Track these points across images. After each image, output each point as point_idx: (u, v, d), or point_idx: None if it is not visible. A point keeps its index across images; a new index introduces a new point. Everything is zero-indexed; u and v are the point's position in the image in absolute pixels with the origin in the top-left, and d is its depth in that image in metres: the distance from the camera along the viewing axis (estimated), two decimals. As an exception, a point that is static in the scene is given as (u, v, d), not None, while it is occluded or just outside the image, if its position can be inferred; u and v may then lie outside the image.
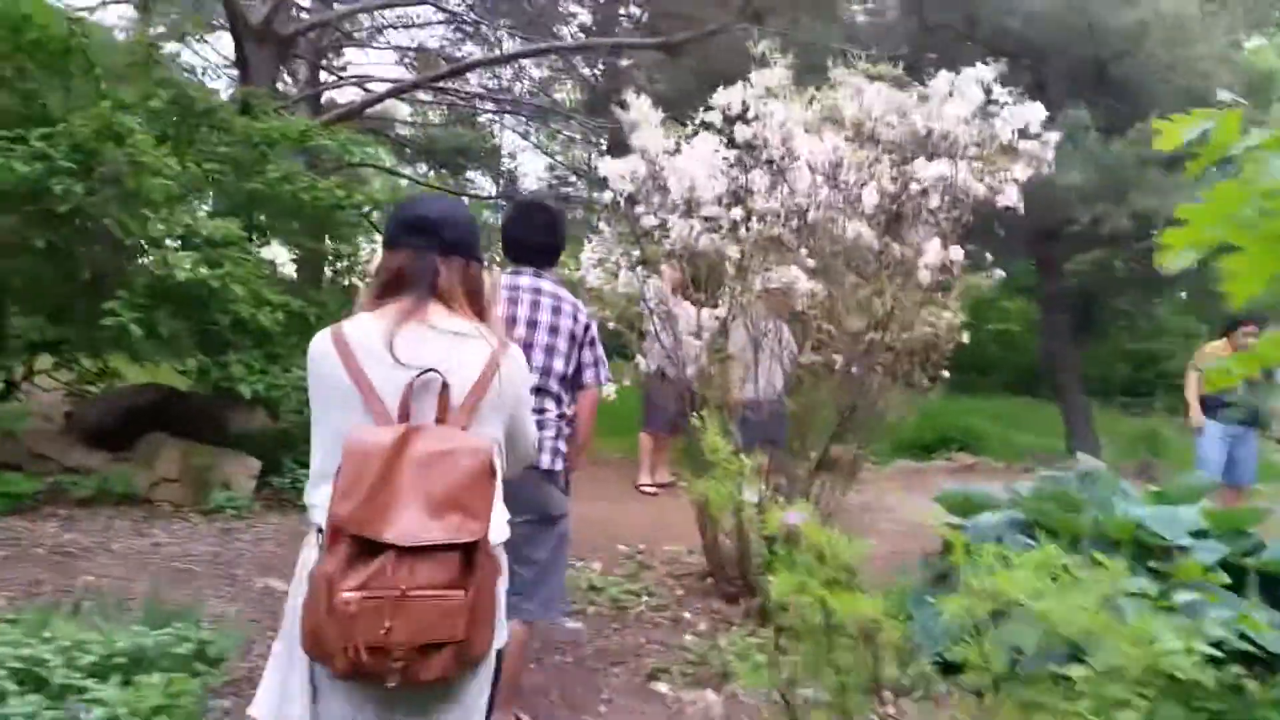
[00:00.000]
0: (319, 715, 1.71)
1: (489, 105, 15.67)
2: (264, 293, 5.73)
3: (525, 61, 16.01)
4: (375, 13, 15.63)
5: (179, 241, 5.22)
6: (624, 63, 14.04)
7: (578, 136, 17.61)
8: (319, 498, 1.71)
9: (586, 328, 3.34)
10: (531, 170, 19.66)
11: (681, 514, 7.26)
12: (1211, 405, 7.84)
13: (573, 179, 17.84)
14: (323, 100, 13.49)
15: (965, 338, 4.60)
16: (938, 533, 4.97)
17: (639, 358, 5.28)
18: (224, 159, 6.18)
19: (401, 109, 18.38)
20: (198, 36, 12.38)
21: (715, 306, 4.96)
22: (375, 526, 1.57)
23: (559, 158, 18.51)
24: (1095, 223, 9.74)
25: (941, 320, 4.41)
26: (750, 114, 4.60)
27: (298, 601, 1.69)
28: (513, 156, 19.36)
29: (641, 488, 8.47)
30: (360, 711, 1.68)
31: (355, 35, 16.29)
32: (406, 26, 15.97)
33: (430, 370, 1.73)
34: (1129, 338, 19.69)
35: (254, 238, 7.05)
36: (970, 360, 14.24)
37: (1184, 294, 18.21)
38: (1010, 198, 4.33)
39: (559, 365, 3.23)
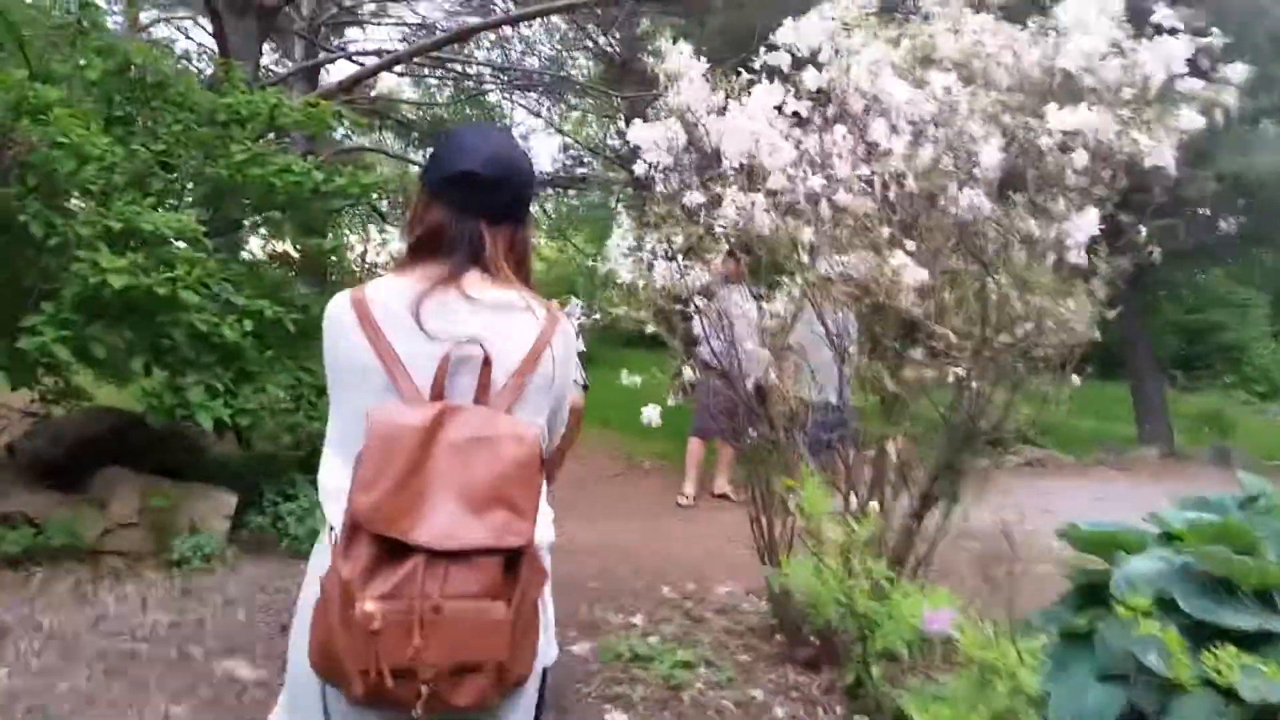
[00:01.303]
0: None
1: (497, 81, 14.62)
2: (233, 299, 4.77)
3: (534, 34, 15.01)
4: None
5: (117, 241, 4.23)
6: (642, 28, 12.98)
7: (592, 114, 16.61)
8: (332, 480, 1.48)
9: None
10: (545, 150, 18.63)
11: (735, 534, 6.33)
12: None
13: (588, 158, 16.82)
14: (320, 81, 12.49)
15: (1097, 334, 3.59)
16: (1073, 573, 4.07)
17: (684, 369, 4.30)
18: (184, 141, 5.21)
19: (406, 90, 17.42)
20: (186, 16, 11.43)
21: (773, 301, 3.99)
22: (404, 524, 1.34)
23: (574, 136, 17.46)
24: (1176, 185, 8.71)
25: (1073, 312, 3.40)
26: (822, 56, 3.60)
27: (306, 599, 1.48)
28: (524, 137, 18.37)
29: (680, 500, 7.51)
30: None
31: (356, 11, 15.33)
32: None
33: (470, 341, 1.49)
34: (1176, 309, 18.60)
35: (237, 233, 6.12)
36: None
37: (1230, 261, 17.15)
38: (1163, 156, 3.30)
39: None
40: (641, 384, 4.09)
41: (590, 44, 14.27)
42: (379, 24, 15.77)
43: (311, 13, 13.03)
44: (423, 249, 1.58)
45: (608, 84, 13.06)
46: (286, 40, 13.47)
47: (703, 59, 3.93)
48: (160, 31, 15.30)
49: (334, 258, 5.50)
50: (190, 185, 5.23)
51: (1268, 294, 19.58)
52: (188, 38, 12.08)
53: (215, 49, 11.17)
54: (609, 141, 17.80)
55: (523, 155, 1.68)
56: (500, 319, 1.54)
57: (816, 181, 3.26)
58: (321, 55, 11.46)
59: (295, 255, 5.96)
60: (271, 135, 6.19)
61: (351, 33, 16.87)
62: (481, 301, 1.54)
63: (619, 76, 12.79)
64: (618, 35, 13.38)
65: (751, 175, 3.50)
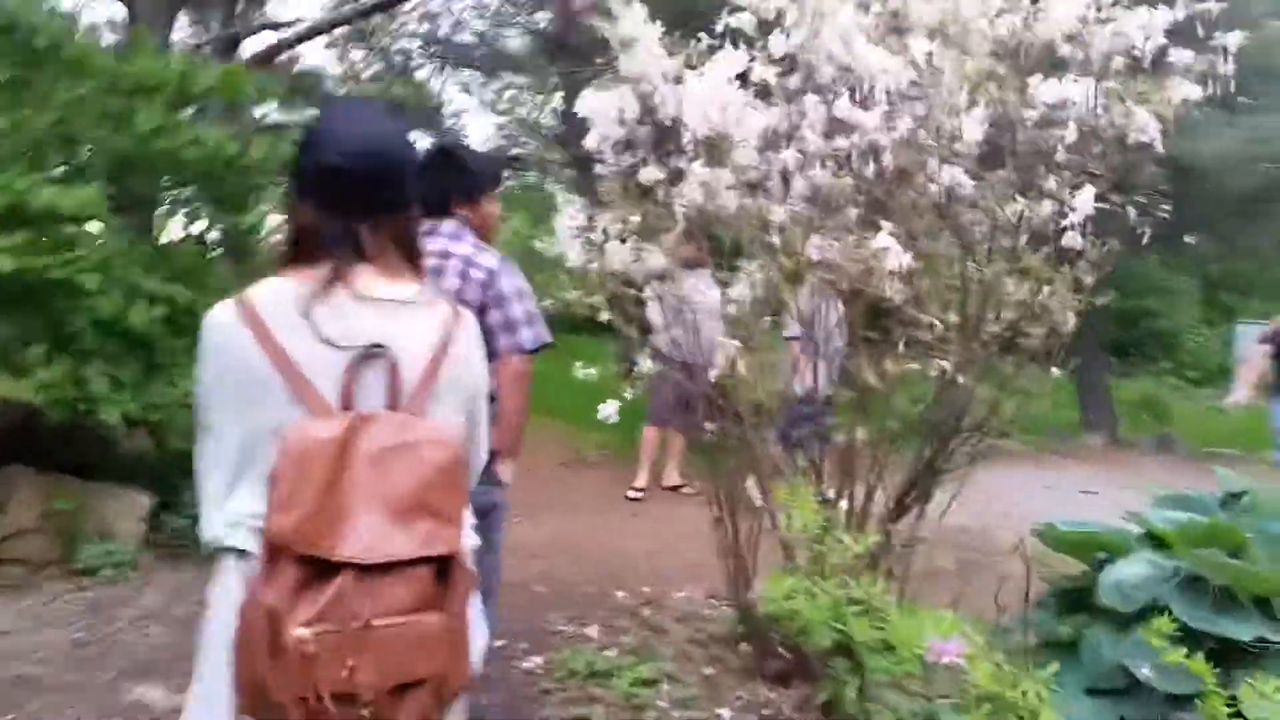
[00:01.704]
0: None
1: (427, 54, 14.11)
2: (141, 283, 4.35)
3: (465, 8, 14.51)
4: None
5: (6, 220, 3.79)
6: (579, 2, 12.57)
7: (528, 91, 16.17)
8: (232, 506, 1.37)
9: (484, 285, 2.84)
10: (479, 130, 18.12)
11: (690, 530, 6.05)
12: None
13: (524, 138, 16.38)
14: (239, 52, 11.88)
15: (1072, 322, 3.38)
16: (1051, 576, 3.87)
17: (640, 359, 4.01)
18: (84, 111, 4.74)
19: (330, 64, 16.77)
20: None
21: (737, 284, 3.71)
22: (327, 542, 1.28)
23: (509, 114, 16.98)
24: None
25: (1056, 299, 3.18)
26: (789, 19, 3.32)
27: (216, 633, 1.37)
28: (457, 116, 17.84)
29: (630, 493, 7.21)
30: None
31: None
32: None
33: (374, 346, 1.39)
34: (1114, 296, 18.84)
35: (148, 210, 5.65)
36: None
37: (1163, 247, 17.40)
38: (1150, 131, 3.09)
39: None
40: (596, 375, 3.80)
41: (523, 19, 13.82)
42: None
43: (230, -18, 12.39)
44: (300, 252, 1.46)
45: (543, 60, 12.64)
46: (205, 13, 12.79)
47: (658, 23, 3.63)
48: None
49: (254, 237, 5.06)
50: (91, 159, 4.76)
51: (1198, 281, 19.94)
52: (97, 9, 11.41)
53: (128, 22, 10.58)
54: (544, 120, 17.37)
55: (398, 137, 1.54)
56: (399, 317, 1.46)
57: (789, 155, 2.97)
58: (239, 27, 10.84)
59: (216, 235, 5.51)
60: (190, 110, 5.75)
61: (274, 9, 16.22)
62: (377, 300, 1.44)
63: (554, 52, 12.39)
64: (553, 8, 12.95)
65: (714, 149, 3.20)
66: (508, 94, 17.05)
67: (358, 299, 1.42)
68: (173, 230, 6.09)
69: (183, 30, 13.43)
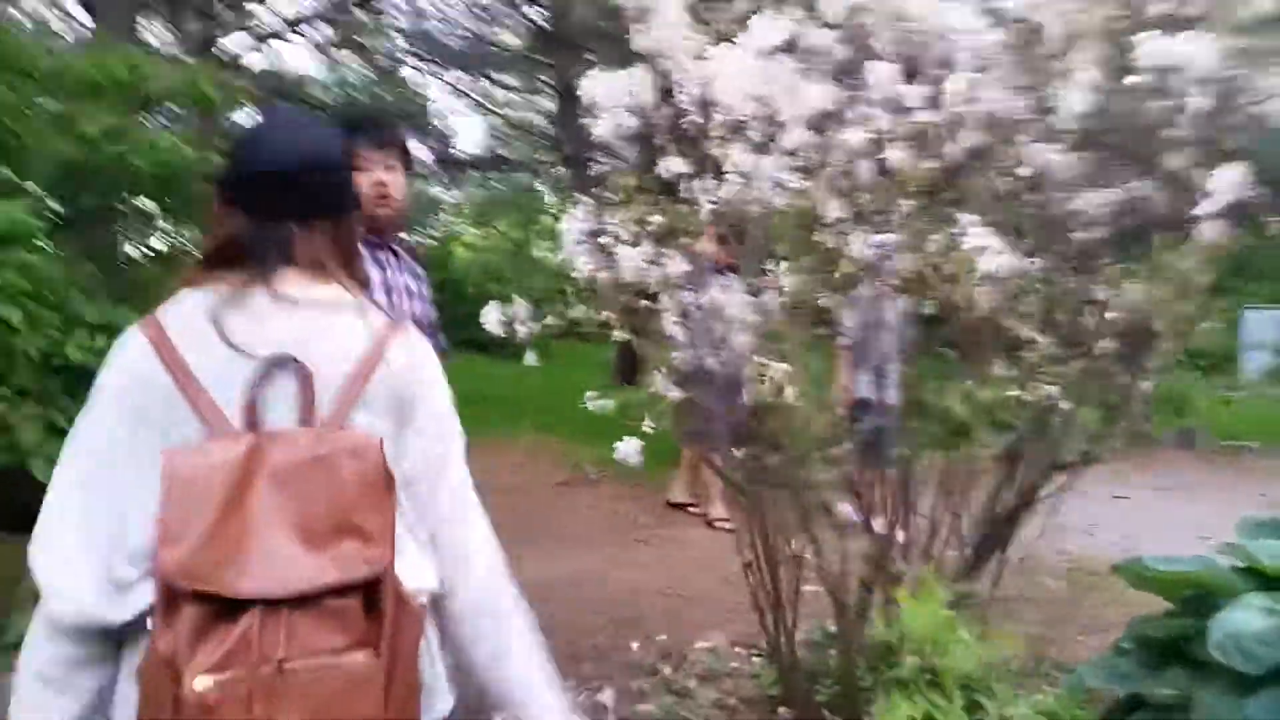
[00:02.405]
0: None
1: (414, 53, 13.55)
2: (83, 310, 3.79)
3: (454, 6, 13.95)
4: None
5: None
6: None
7: (517, 92, 15.63)
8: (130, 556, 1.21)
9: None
10: (466, 132, 17.55)
11: (705, 558, 5.57)
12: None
13: (513, 138, 15.83)
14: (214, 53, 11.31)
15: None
16: (1140, 623, 3.33)
17: (657, 378, 3.45)
18: (19, 113, 4.18)
19: (313, 67, 16.21)
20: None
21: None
22: (226, 575, 1.13)
23: (505, 112, 16.41)
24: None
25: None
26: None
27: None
28: (443, 118, 17.31)
29: (672, 501, 6.72)
30: None
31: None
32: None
33: (283, 354, 1.25)
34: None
35: (99, 224, 5.06)
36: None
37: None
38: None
39: None
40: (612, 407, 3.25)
41: (513, 13, 13.25)
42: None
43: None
44: (221, 260, 1.33)
45: (534, 57, 12.07)
46: (178, 13, 12.22)
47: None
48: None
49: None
50: (30, 168, 4.19)
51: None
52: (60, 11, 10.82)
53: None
54: (534, 120, 16.83)
55: (330, 139, 1.43)
56: (320, 319, 1.31)
57: (852, 136, 2.41)
58: (213, 26, 10.28)
59: (175, 249, 4.94)
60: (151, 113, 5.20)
61: (253, 10, 15.63)
62: (296, 300, 1.31)
63: (546, 48, 11.84)
64: (545, 2, 12.40)
65: (753, 132, 2.65)
66: (497, 93, 16.52)
67: (276, 301, 1.30)
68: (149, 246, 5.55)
69: (157, 32, 12.93)
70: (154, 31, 12.85)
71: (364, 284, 1.43)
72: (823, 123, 2.45)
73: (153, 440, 1.22)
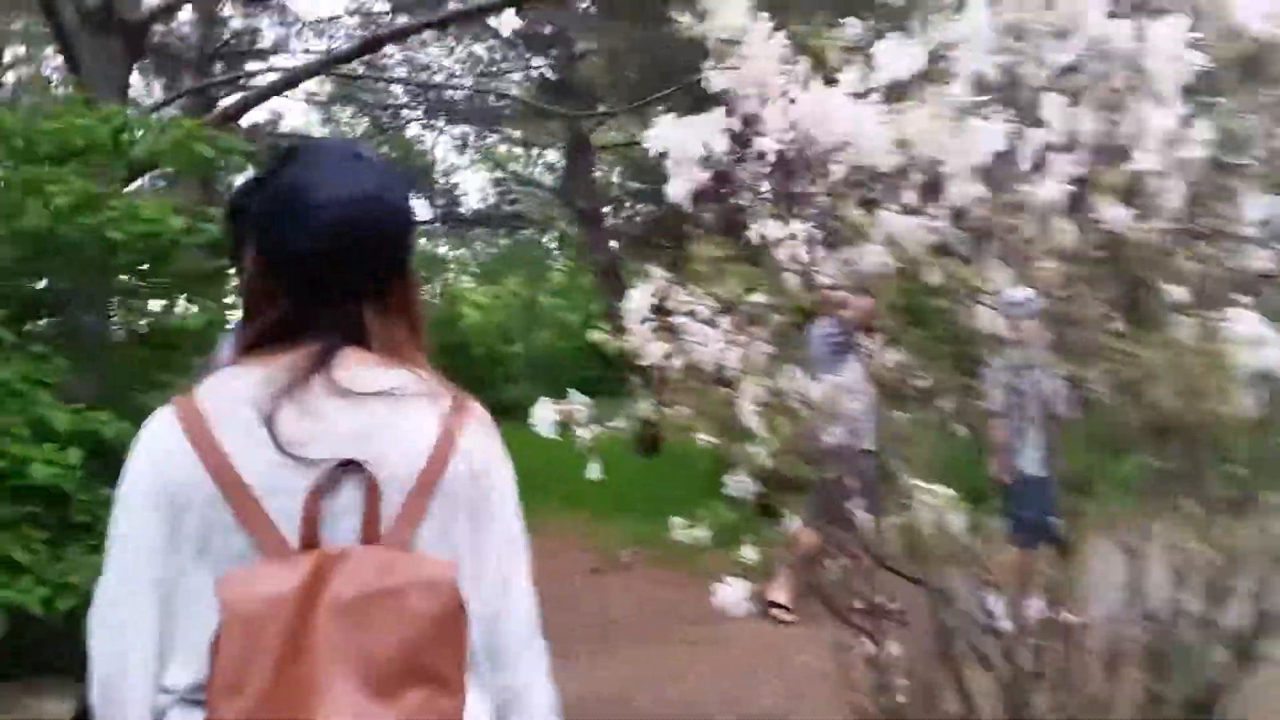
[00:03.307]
0: None
1: (416, 105, 13.10)
2: (49, 415, 3.19)
3: (457, 58, 13.54)
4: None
5: None
6: (581, 47, 11.58)
7: (523, 146, 15.19)
8: (136, 689, 1.09)
9: None
10: (472, 186, 17.11)
11: (773, 664, 4.92)
12: None
13: (518, 192, 15.35)
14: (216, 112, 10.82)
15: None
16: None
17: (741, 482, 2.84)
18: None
19: (315, 127, 15.79)
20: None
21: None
22: None
23: (511, 166, 15.95)
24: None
25: None
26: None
27: None
28: (447, 174, 16.84)
29: (777, 613, 5.64)
30: None
31: (254, 40, 13.70)
32: (319, 27, 13.36)
33: (348, 463, 1.09)
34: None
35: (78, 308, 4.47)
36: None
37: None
38: None
39: None
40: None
41: (520, 67, 12.82)
42: (285, 54, 14.15)
43: (201, 40, 11.40)
44: (269, 340, 1.15)
45: (541, 111, 11.60)
46: (174, 71, 11.78)
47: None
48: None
49: (211, 330, 3.87)
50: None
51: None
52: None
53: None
54: (540, 175, 16.40)
55: (395, 184, 1.22)
56: (388, 415, 1.13)
57: (1053, 187, 1.82)
58: (204, 82, 9.78)
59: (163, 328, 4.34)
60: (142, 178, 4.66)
61: (252, 66, 15.25)
62: (360, 393, 1.12)
63: (555, 99, 11.37)
64: (553, 52, 11.96)
65: (922, 186, 2.06)
66: (501, 148, 16.08)
67: (337, 392, 1.11)
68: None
69: (148, 90, 12.51)
70: (148, 90, 12.47)
71: (425, 350, 1.24)
72: (997, 172, 1.86)
73: (189, 549, 1.09)
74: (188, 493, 1.08)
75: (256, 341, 1.17)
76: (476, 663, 1.17)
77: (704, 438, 2.63)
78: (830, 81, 2.45)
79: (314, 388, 1.12)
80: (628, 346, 2.81)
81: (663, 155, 2.70)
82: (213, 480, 1.08)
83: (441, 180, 16.11)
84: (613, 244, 10.74)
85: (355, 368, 1.14)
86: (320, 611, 1.04)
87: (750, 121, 2.61)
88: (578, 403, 2.78)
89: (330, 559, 1.06)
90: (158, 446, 1.12)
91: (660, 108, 9.08)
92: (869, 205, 2.08)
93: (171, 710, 1.08)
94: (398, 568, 1.09)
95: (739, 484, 2.98)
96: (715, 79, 2.61)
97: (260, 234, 1.18)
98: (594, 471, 2.72)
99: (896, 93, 2.44)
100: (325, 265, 1.15)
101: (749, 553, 2.56)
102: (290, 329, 1.15)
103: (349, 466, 1.10)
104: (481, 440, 1.20)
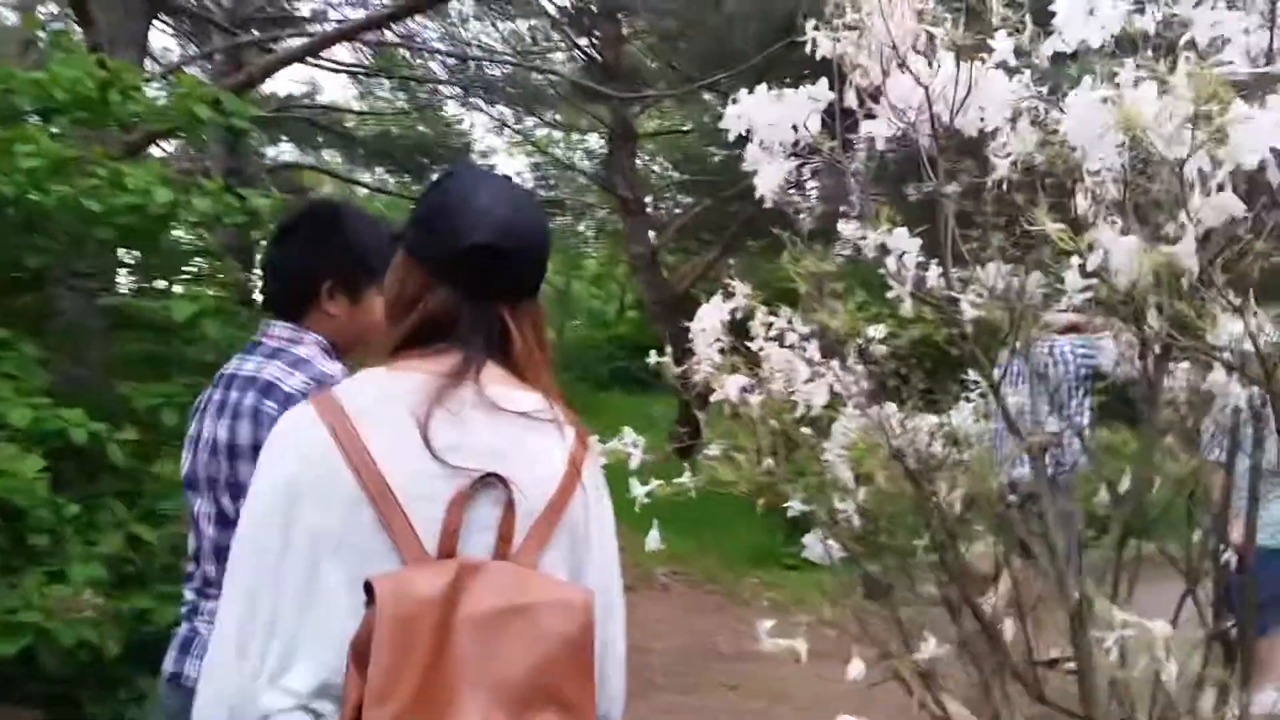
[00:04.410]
0: None
1: (455, 81, 12.56)
2: (8, 411, 2.69)
3: (497, 35, 12.96)
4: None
5: None
6: (629, 27, 10.97)
7: (564, 127, 14.61)
8: (288, 692, 1.05)
9: None
10: (510, 170, 16.57)
11: (821, 705, 4.36)
12: None
13: (566, 178, 14.79)
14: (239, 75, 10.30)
15: None
16: None
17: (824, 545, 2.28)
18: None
19: (352, 101, 15.28)
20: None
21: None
22: None
23: (550, 150, 15.37)
24: None
25: None
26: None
27: None
28: (485, 155, 16.29)
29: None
30: None
31: (291, 6, 13.17)
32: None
33: (489, 475, 1.11)
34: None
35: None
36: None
37: None
38: None
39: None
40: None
41: (565, 43, 12.21)
42: (322, 23, 13.65)
43: (234, 2, 10.88)
44: (420, 340, 1.19)
45: (586, 91, 11.01)
46: (203, 35, 11.28)
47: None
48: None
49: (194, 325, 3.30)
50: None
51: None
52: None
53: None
54: (579, 161, 15.81)
55: (539, 209, 1.33)
56: (523, 436, 1.16)
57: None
58: (229, 43, 9.23)
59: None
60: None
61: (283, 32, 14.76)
62: (504, 410, 1.16)
63: (601, 80, 10.77)
64: (597, 35, 11.35)
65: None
66: (540, 132, 15.48)
67: (485, 405, 1.15)
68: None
69: (183, 53, 12.07)
70: (183, 55, 12.03)
71: (549, 370, 1.25)
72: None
73: (326, 546, 1.08)
74: (327, 489, 1.08)
75: (403, 343, 1.20)
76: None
77: (796, 502, 2.06)
78: (976, 49, 1.88)
79: (463, 397, 1.14)
80: (695, 376, 2.26)
81: (742, 139, 2.15)
82: (355, 479, 1.08)
83: (479, 162, 15.58)
84: (652, 235, 10.15)
85: (498, 384, 1.17)
86: (458, 620, 1.03)
87: (866, 97, 2.05)
88: (630, 442, 2.21)
89: (469, 569, 1.06)
90: (300, 440, 1.12)
91: (726, 87, 8.46)
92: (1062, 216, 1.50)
93: (290, 715, 1.04)
94: (533, 586, 1.10)
95: (816, 545, 2.45)
96: (821, 42, 2.05)
97: (423, 234, 1.23)
98: (653, 541, 2.19)
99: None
100: (487, 258, 1.18)
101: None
102: (439, 328, 1.18)
103: (489, 479, 1.11)
104: (597, 474, 1.24)
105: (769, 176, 2.04)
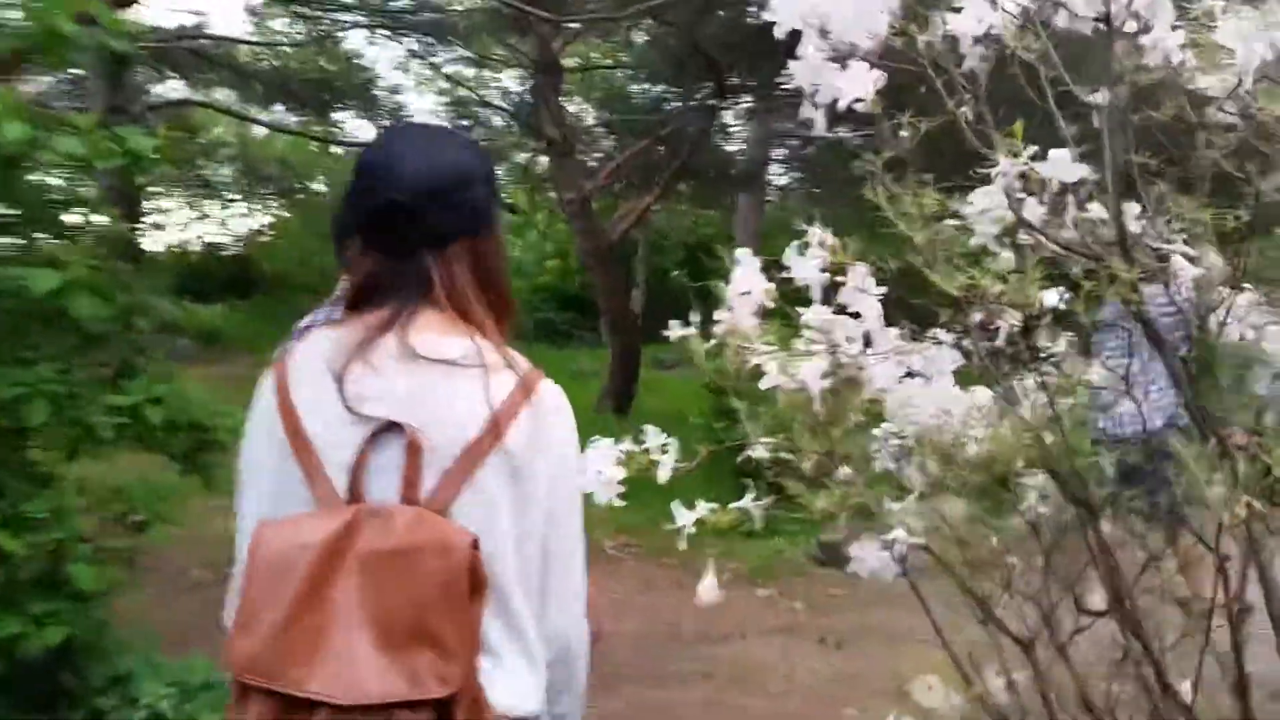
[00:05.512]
0: None
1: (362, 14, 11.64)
2: None
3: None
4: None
5: None
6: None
7: (481, 62, 13.72)
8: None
9: None
10: (420, 109, 15.62)
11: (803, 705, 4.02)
12: None
13: (483, 118, 13.94)
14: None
15: None
16: None
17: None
18: None
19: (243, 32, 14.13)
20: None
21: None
22: (295, 672, 1.06)
23: (465, 86, 14.47)
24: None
25: None
26: None
27: None
28: (394, 92, 15.26)
29: None
30: None
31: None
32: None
33: (394, 421, 1.16)
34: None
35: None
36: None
37: None
38: None
39: None
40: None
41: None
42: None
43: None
44: (361, 302, 1.25)
45: (506, 18, 10.20)
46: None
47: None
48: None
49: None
50: None
51: None
52: None
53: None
54: (496, 99, 14.92)
55: (467, 149, 1.35)
56: (442, 382, 1.19)
57: None
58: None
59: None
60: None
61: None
62: (423, 356, 1.19)
63: (522, 12, 10.00)
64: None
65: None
66: (454, 68, 14.54)
67: (404, 353, 1.19)
68: None
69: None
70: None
71: (508, 311, 1.31)
72: None
73: (258, 498, 1.21)
74: (270, 448, 1.19)
75: (349, 304, 1.26)
76: (526, 637, 1.19)
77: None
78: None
79: (385, 347, 1.19)
80: (733, 356, 1.72)
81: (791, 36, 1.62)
82: (285, 436, 1.17)
83: (386, 101, 14.57)
84: (584, 181, 9.48)
85: (425, 332, 1.20)
86: (346, 560, 1.08)
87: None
88: (658, 447, 1.68)
89: (365, 512, 1.11)
90: (258, 392, 1.23)
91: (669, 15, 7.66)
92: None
93: None
94: (422, 528, 1.11)
95: (870, 558, 1.96)
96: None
97: (348, 203, 1.28)
98: (710, 592, 1.68)
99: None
100: (397, 216, 1.22)
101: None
102: (374, 287, 1.24)
103: (397, 426, 1.15)
104: (548, 418, 1.23)
105: (855, 83, 1.49)
